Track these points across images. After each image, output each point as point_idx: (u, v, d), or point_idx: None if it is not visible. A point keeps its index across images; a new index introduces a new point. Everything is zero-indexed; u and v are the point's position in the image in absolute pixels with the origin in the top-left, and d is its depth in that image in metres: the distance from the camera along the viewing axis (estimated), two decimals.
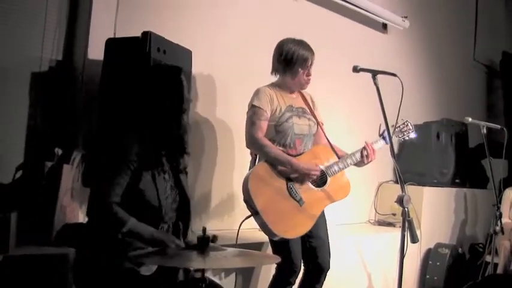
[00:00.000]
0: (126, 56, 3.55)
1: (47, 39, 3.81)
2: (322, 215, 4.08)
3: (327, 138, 4.15)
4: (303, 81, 4.05)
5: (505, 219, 5.00)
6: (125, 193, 2.76)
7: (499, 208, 4.87)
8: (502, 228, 4.85)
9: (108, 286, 2.67)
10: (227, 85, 4.72)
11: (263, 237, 3.95)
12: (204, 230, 2.34)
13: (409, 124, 4.38)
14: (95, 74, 3.69)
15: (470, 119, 4.78)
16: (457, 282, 3.99)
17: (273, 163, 3.86)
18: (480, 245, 6.80)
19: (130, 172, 2.77)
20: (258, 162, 3.98)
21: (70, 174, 3.57)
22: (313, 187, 3.95)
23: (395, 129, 4.28)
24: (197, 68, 4.01)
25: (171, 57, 3.64)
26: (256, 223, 3.84)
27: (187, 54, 3.85)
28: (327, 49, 5.44)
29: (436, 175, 6.48)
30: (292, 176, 3.88)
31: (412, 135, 4.41)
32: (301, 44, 4.04)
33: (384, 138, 4.16)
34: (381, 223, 6.21)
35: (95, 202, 2.80)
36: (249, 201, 3.78)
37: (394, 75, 3.51)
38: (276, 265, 4.03)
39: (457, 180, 6.72)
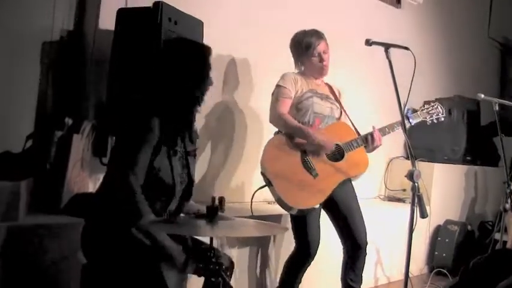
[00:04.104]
0: (138, 26, 3.55)
1: (58, 8, 3.80)
2: (352, 189, 4.13)
3: (351, 122, 4.19)
4: (317, 66, 4.13)
5: None
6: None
7: (509, 186, 4.83)
8: None
9: (116, 254, 2.67)
10: (238, 56, 4.71)
11: (279, 209, 3.98)
12: (213, 199, 2.34)
13: (438, 106, 4.38)
14: (106, 44, 3.68)
15: (482, 96, 4.73)
16: (465, 259, 3.99)
17: (292, 134, 3.91)
18: (489, 223, 6.77)
19: (151, 150, 2.72)
20: None
21: (80, 144, 3.57)
22: (329, 161, 3.96)
23: (422, 109, 4.33)
24: (208, 39, 3.98)
25: (183, 27, 3.63)
26: (272, 196, 3.90)
27: (198, 25, 3.83)
28: (340, 23, 5.40)
29: (447, 152, 6.45)
30: (308, 148, 3.90)
31: (442, 118, 4.40)
32: (307, 32, 4.14)
33: (407, 118, 4.17)
34: (391, 199, 6.22)
35: (118, 182, 2.69)
36: (263, 171, 3.83)
37: (406, 48, 3.47)
38: (295, 243, 4.11)
39: (468, 158, 6.68)
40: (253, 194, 4.09)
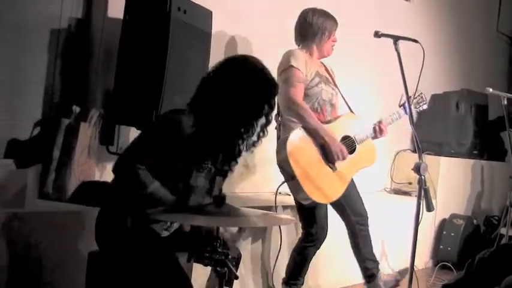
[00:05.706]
0: (146, 15, 3.53)
1: None
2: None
3: (349, 108, 4.20)
4: (330, 49, 4.15)
5: None
6: (159, 166, 2.66)
7: None
8: None
9: (130, 245, 2.67)
10: (248, 47, 4.70)
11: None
12: (220, 189, 2.34)
13: (423, 95, 4.41)
14: (115, 32, 3.67)
15: (491, 90, 4.71)
16: (471, 254, 3.98)
17: (310, 132, 3.86)
18: (495, 218, 6.76)
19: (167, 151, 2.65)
20: (282, 128, 4.03)
21: (87, 132, 3.57)
22: None
23: (413, 99, 4.31)
24: (217, 29, 3.97)
25: (192, 17, 3.62)
26: (290, 190, 3.90)
27: (207, 15, 3.82)
28: (349, 15, 5.38)
29: (453, 146, 6.43)
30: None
31: (424, 106, 4.45)
32: (327, 14, 4.12)
33: (404, 108, 4.16)
34: (397, 192, 6.21)
35: (121, 160, 2.70)
36: (285, 165, 3.78)
37: (415, 41, 3.46)
38: (302, 231, 4.13)
39: (474, 152, 6.66)
40: (277, 189, 4.06)
